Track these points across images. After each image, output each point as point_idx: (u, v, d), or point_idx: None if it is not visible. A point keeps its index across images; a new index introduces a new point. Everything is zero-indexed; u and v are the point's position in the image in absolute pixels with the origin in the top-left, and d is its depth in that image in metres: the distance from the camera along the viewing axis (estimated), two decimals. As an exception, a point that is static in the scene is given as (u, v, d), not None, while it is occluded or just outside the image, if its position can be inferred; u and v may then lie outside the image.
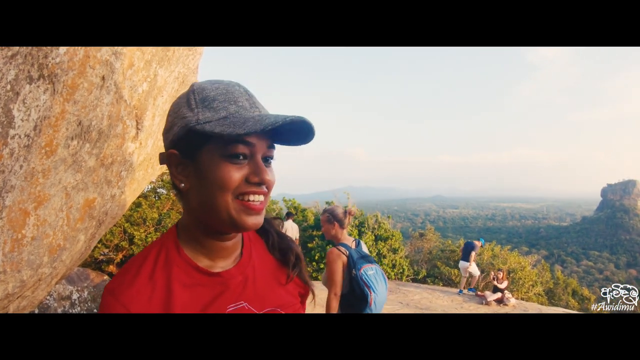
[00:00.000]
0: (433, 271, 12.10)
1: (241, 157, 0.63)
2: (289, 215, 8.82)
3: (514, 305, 7.29)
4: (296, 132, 0.66)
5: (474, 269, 8.47)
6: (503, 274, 7.84)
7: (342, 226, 2.52)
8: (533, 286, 11.61)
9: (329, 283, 2.34)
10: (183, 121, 0.63)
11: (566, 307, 11.51)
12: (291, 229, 8.27)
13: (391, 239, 10.97)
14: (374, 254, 10.32)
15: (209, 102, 0.63)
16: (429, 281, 11.44)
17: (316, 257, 10.18)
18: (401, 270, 10.83)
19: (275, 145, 0.69)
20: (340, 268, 2.31)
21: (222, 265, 0.71)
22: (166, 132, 0.67)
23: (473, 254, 8.35)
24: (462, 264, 8.65)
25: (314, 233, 10.73)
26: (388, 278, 9.27)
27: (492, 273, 8.49)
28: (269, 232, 0.82)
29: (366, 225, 10.98)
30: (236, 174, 0.62)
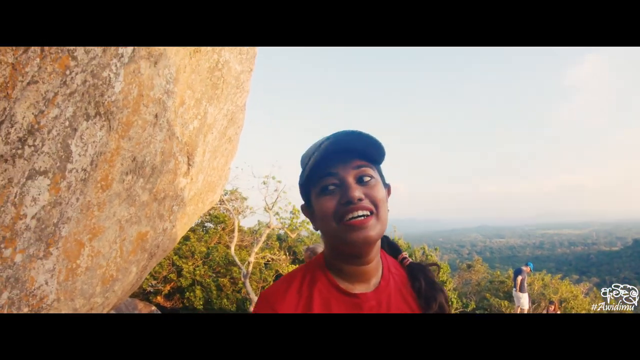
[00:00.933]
0: (482, 303, 11.56)
1: (331, 187, 0.74)
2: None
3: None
4: (364, 146, 0.74)
5: (524, 300, 7.82)
6: (555, 306, 7.43)
7: None
8: (586, 316, 10.23)
9: None
10: (299, 181, 0.80)
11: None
12: None
13: (439, 272, 10.42)
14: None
15: (305, 159, 0.78)
16: (477, 313, 10.62)
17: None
18: (450, 303, 10.12)
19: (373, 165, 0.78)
20: None
21: (360, 289, 0.78)
22: None
23: (519, 278, 7.90)
24: (514, 293, 8.21)
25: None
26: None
27: (543, 304, 7.78)
28: (418, 279, 0.85)
29: (413, 259, 10.55)
30: (330, 202, 0.73)
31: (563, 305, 10.54)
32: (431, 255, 11.18)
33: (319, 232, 0.80)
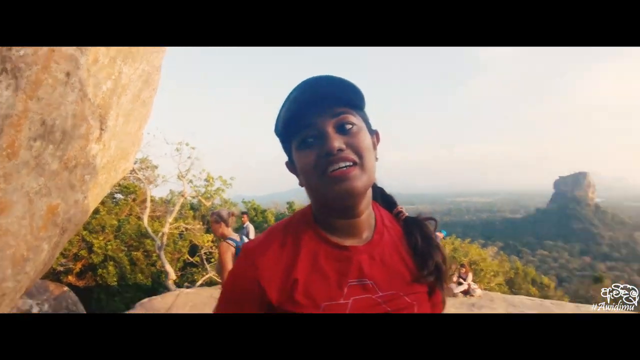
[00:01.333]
0: None
1: (310, 139, 0.68)
2: (243, 214, 8.63)
3: (480, 295, 7.64)
4: (340, 91, 0.68)
5: None
6: (466, 268, 8.05)
7: (227, 225, 3.06)
8: (495, 276, 12.24)
9: (222, 272, 2.79)
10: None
11: (527, 294, 12.30)
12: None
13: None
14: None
15: (282, 109, 0.71)
16: None
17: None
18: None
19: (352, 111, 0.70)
20: (230, 258, 2.80)
21: (351, 242, 0.73)
22: None
23: None
24: None
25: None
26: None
27: (454, 267, 8.76)
28: (414, 234, 0.78)
29: None
30: (309, 156, 0.68)
31: (472, 267, 11.11)
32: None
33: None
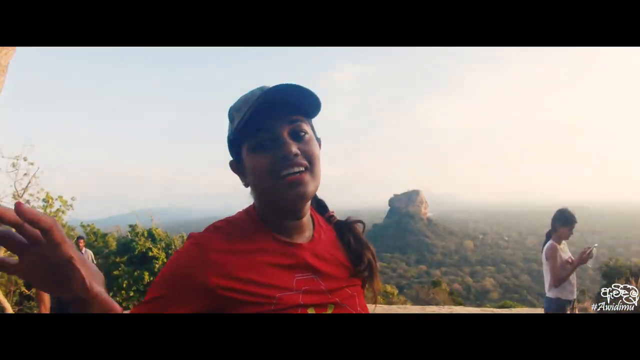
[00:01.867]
0: None
1: (266, 142, 0.72)
2: (79, 239, 6.96)
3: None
4: (299, 100, 0.73)
5: None
6: None
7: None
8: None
9: None
10: (228, 135, 0.78)
11: (374, 302, 12.40)
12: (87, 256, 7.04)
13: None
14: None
15: (234, 113, 0.76)
16: None
17: (124, 285, 9.16)
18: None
19: (305, 120, 0.77)
20: None
21: (295, 240, 0.79)
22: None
23: None
24: None
25: (118, 260, 9.52)
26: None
27: None
28: (346, 235, 0.88)
29: (173, 247, 10.08)
30: (264, 159, 0.71)
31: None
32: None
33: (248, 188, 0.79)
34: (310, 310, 0.73)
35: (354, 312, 0.79)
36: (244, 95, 0.76)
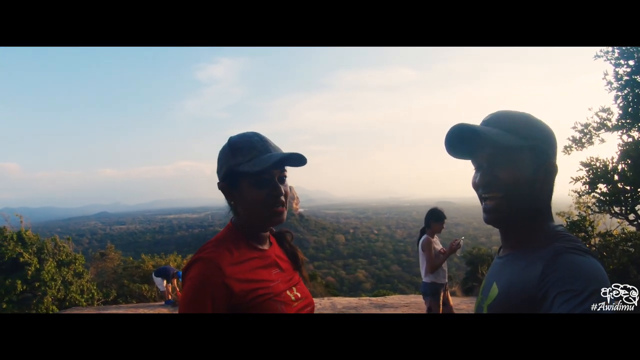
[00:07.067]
0: (123, 290, 11.00)
1: (265, 182, 1.01)
2: None
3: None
4: (295, 160, 1.05)
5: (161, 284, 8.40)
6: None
7: None
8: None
9: None
10: (226, 165, 1.03)
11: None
12: None
13: (74, 263, 9.69)
14: (59, 282, 8.92)
15: (239, 151, 1.02)
16: (120, 301, 10.26)
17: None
18: (91, 295, 9.75)
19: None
20: None
21: (264, 247, 1.11)
22: (218, 172, 1.07)
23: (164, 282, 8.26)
24: (156, 279, 8.49)
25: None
26: (78, 305, 8.86)
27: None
28: (284, 242, 1.23)
29: (45, 251, 9.25)
30: (261, 193, 1.01)
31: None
32: (64, 247, 9.89)
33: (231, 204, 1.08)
34: (288, 293, 1.06)
35: (307, 291, 1.15)
36: (247, 140, 1.04)
